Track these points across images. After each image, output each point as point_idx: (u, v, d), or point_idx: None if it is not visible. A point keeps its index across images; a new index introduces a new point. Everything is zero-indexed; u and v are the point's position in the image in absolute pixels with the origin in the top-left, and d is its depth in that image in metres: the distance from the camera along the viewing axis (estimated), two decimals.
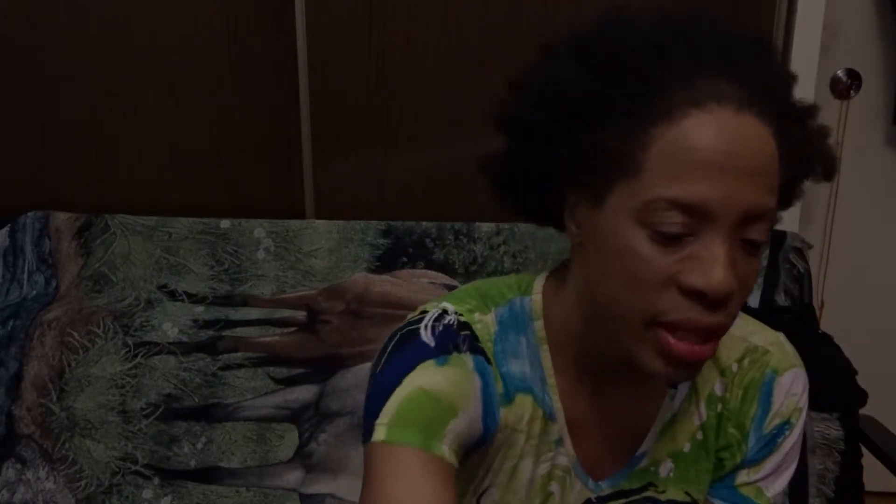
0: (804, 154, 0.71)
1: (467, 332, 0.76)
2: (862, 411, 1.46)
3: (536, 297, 0.80)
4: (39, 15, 1.69)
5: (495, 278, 0.84)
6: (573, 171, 0.70)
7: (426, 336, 0.75)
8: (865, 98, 2.01)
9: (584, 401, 0.80)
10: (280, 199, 1.74)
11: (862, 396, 1.44)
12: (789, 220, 1.72)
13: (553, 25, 1.62)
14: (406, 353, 0.74)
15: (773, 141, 0.66)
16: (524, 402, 0.79)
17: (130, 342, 1.51)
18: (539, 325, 0.79)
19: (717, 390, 0.83)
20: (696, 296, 0.65)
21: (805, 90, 1.73)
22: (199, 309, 1.56)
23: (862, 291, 2.12)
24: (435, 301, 0.79)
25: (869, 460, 1.43)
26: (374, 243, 1.59)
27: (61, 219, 1.63)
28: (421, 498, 0.67)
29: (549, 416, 0.80)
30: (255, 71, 1.70)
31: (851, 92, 2.01)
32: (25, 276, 1.61)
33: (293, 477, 1.48)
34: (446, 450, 0.70)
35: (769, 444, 0.83)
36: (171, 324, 1.54)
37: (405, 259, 1.58)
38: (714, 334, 0.68)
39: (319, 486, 1.47)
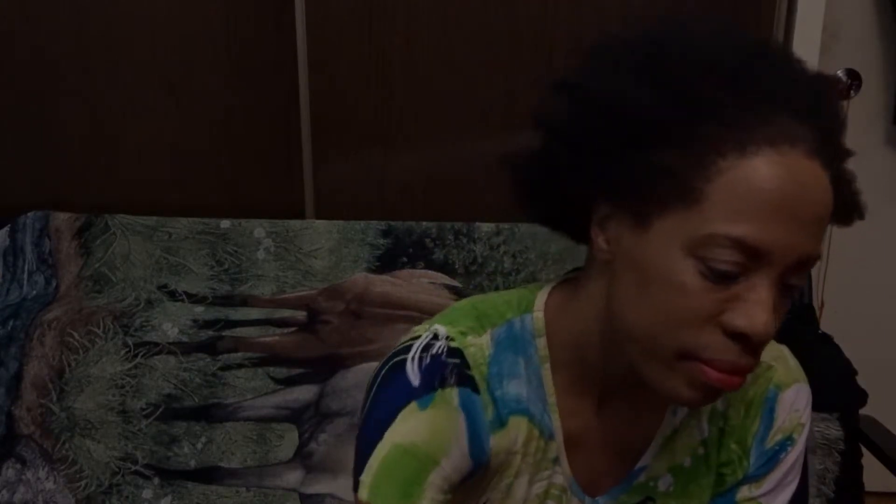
0: (848, 201, 0.71)
1: (456, 360, 0.75)
2: (862, 411, 1.46)
3: (538, 315, 0.79)
4: (40, 15, 1.69)
5: (495, 294, 0.82)
6: (619, 186, 0.68)
7: (412, 371, 0.74)
8: (865, 98, 2.01)
9: (585, 417, 0.80)
10: (280, 199, 1.74)
11: (862, 396, 1.44)
12: None
13: (553, 25, 1.62)
14: (391, 393, 0.74)
15: (831, 189, 0.65)
16: (519, 425, 0.78)
17: (130, 342, 1.51)
18: (542, 342, 0.78)
19: (720, 405, 0.83)
20: (738, 337, 0.64)
21: None
22: (199, 309, 1.56)
23: (862, 291, 2.12)
24: (427, 323, 0.78)
25: (869, 460, 1.43)
26: (374, 243, 1.59)
27: (61, 219, 1.63)
28: None
29: (547, 436, 0.79)
30: (255, 71, 1.70)
31: (851, 92, 2.01)
32: (25, 276, 1.61)
33: (293, 477, 1.48)
34: (427, 502, 0.71)
35: (771, 459, 0.83)
36: (171, 324, 1.54)
37: (405, 259, 1.58)
38: (745, 372, 0.67)
39: (319, 486, 1.47)
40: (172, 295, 1.59)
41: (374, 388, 0.76)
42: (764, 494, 0.83)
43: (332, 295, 1.56)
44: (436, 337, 0.76)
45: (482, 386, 0.75)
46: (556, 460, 0.80)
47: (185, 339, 1.52)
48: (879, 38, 1.99)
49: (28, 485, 1.48)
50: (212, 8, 1.67)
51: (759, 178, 0.62)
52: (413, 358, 0.75)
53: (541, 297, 0.80)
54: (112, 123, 1.73)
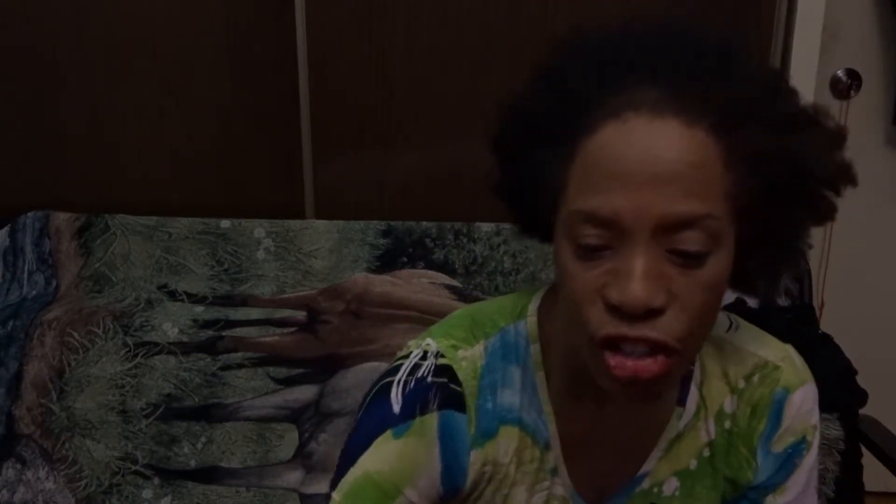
0: (782, 159, 0.66)
1: (443, 380, 0.76)
2: (862, 411, 1.46)
3: (531, 320, 0.79)
4: (40, 15, 1.69)
5: (491, 301, 0.83)
6: (534, 192, 0.71)
7: (395, 396, 0.76)
8: (865, 98, 2.01)
9: (583, 423, 0.78)
10: (280, 199, 1.74)
11: (862, 396, 1.44)
12: None
13: (553, 25, 1.62)
14: (372, 419, 0.77)
15: (704, 145, 0.63)
16: (509, 434, 0.77)
17: (130, 342, 1.51)
18: (536, 349, 0.78)
19: (728, 407, 0.81)
20: (616, 310, 0.64)
21: (805, 90, 1.72)
22: (199, 309, 1.56)
23: (862, 291, 2.12)
24: (421, 337, 0.80)
25: (869, 460, 1.43)
26: (374, 243, 1.59)
27: (61, 219, 1.63)
28: None
29: (543, 445, 0.78)
30: (255, 71, 1.70)
31: (851, 92, 2.01)
32: (25, 276, 1.61)
33: (293, 477, 1.48)
34: None
35: (787, 463, 0.81)
36: (171, 324, 1.54)
37: (405, 259, 1.58)
38: (654, 349, 0.64)
39: (319, 486, 1.47)
40: (172, 295, 1.59)
41: (362, 410, 0.78)
42: (792, 501, 0.82)
43: (332, 295, 1.56)
44: (424, 356, 0.77)
45: (470, 401, 0.76)
46: (554, 471, 0.79)
47: (185, 339, 1.52)
48: (879, 38, 1.99)
49: (28, 485, 1.48)
50: (212, 8, 1.68)
51: (600, 150, 0.64)
52: (399, 381, 0.76)
53: (535, 302, 0.79)
54: (112, 123, 1.73)
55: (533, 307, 0.79)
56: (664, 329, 0.64)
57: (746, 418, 0.80)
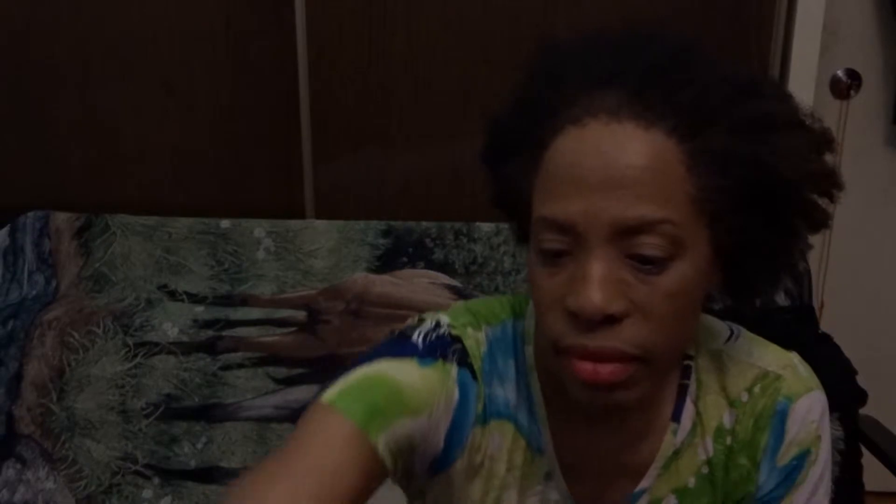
0: (749, 162, 0.64)
1: (458, 346, 0.74)
2: (862, 411, 1.46)
3: (529, 322, 0.77)
4: (40, 15, 1.69)
5: (488, 298, 0.82)
6: (513, 202, 0.72)
7: (418, 340, 0.73)
8: (865, 98, 2.01)
9: (577, 435, 0.76)
10: (280, 199, 1.74)
11: (862, 396, 1.44)
12: None
13: (553, 25, 1.62)
14: (392, 346, 0.73)
15: (664, 147, 0.62)
16: (504, 430, 0.76)
17: (130, 342, 1.51)
18: (530, 350, 0.76)
19: (727, 422, 0.77)
20: (574, 318, 0.63)
21: (805, 90, 1.73)
22: (199, 309, 1.56)
23: (862, 291, 2.12)
24: (432, 313, 0.78)
25: (869, 460, 1.43)
26: (374, 243, 1.59)
27: (61, 219, 1.62)
28: (326, 465, 0.62)
29: (535, 449, 0.76)
30: (255, 71, 1.70)
31: (851, 92, 2.01)
32: (25, 276, 1.61)
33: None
34: (381, 444, 0.65)
35: (789, 477, 0.77)
36: (171, 324, 1.54)
37: (405, 259, 1.58)
38: (609, 358, 0.63)
39: None
40: (172, 295, 1.58)
41: (376, 346, 0.74)
42: None
43: (332, 295, 1.56)
44: (440, 324, 0.76)
45: (479, 377, 0.75)
46: (548, 476, 0.77)
47: (185, 338, 1.52)
48: (879, 38, 1.99)
49: (28, 484, 1.48)
50: (211, 8, 1.68)
51: (559, 155, 0.64)
52: (420, 332, 0.74)
53: (532, 304, 0.77)
54: (112, 124, 1.73)
55: (531, 308, 0.78)
56: (623, 337, 0.63)
57: (749, 431, 0.77)
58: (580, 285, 0.62)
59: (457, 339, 0.74)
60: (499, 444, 0.76)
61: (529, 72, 0.71)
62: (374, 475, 0.65)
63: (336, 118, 1.70)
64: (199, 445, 1.49)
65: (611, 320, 0.62)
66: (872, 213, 2.08)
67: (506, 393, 0.76)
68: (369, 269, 1.58)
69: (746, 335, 0.80)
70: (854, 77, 2.00)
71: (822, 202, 0.69)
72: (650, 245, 0.62)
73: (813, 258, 2.00)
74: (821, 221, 0.70)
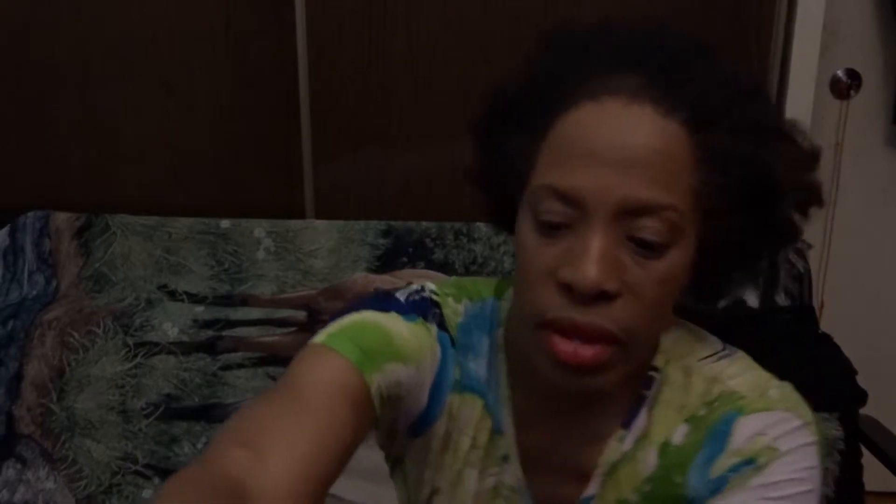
0: (752, 165, 0.65)
1: (437, 311, 0.76)
2: (862, 411, 1.46)
3: (505, 304, 0.78)
4: (40, 15, 1.69)
5: (479, 278, 0.83)
6: (508, 176, 0.71)
7: (401, 297, 0.75)
8: (865, 98, 2.01)
9: (536, 424, 0.75)
10: (280, 199, 1.74)
11: (862, 396, 1.44)
12: None
13: (553, 25, 1.62)
14: (377, 301, 0.74)
15: (677, 136, 0.63)
16: (474, 404, 0.76)
17: (130, 342, 1.51)
18: (500, 332, 0.77)
19: (676, 439, 0.73)
20: (568, 290, 0.63)
21: (805, 90, 1.73)
22: (199, 309, 1.56)
23: (862, 291, 2.12)
24: (418, 281, 0.79)
25: (869, 460, 1.43)
26: (374, 243, 1.59)
27: (61, 219, 1.62)
28: (327, 402, 0.62)
29: (496, 429, 0.76)
30: (255, 71, 1.70)
31: (851, 92, 2.01)
32: (25, 276, 1.61)
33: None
34: (374, 385, 0.65)
35: (719, 481, 0.69)
36: (171, 324, 1.54)
37: (405, 259, 1.58)
38: (595, 337, 0.63)
39: None
40: (172, 295, 1.58)
41: (354, 302, 0.74)
42: None
43: (333, 295, 1.56)
44: (423, 288, 0.77)
45: (455, 345, 0.76)
46: (505, 458, 0.77)
47: (185, 338, 1.52)
48: (879, 37, 1.99)
49: (28, 484, 1.48)
50: (211, 8, 1.68)
51: (573, 127, 0.64)
52: (404, 292, 0.76)
53: (512, 288, 0.77)
54: (112, 123, 1.73)
55: (510, 293, 0.78)
56: (612, 317, 0.63)
57: (695, 445, 0.72)
58: (578, 258, 0.62)
59: (437, 305, 0.76)
60: (468, 418, 0.76)
61: (545, 47, 0.71)
62: (367, 416, 0.66)
63: (336, 118, 1.70)
64: (200, 445, 1.49)
65: (604, 297, 0.62)
66: (872, 213, 2.08)
67: (478, 368, 0.76)
68: (369, 269, 1.58)
69: (740, 359, 0.75)
70: (854, 77, 2.00)
71: (795, 216, 0.70)
72: (652, 229, 0.63)
73: (813, 258, 2.00)
74: (793, 237, 0.71)
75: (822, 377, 1.44)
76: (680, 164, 0.63)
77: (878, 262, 2.12)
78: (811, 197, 0.70)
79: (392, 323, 0.71)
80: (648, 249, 0.63)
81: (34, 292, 1.60)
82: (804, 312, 1.54)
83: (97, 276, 1.60)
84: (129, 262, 1.60)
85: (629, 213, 0.62)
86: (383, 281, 1.57)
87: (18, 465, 1.49)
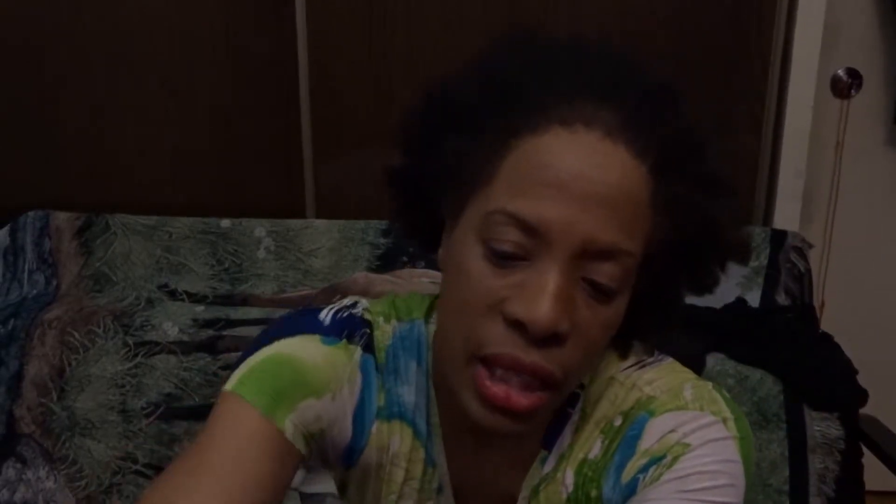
0: (699, 217, 0.63)
1: (367, 332, 0.72)
2: (862, 411, 1.46)
3: (432, 328, 0.73)
4: (39, 15, 1.69)
5: (417, 294, 0.78)
6: (440, 183, 0.67)
7: (325, 317, 0.71)
8: (866, 98, 2.01)
9: (465, 454, 0.73)
10: (280, 199, 1.74)
11: (862, 396, 1.44)
12: (790, 220, 1.72)
13: (553, 25, 1.62)
14: (296, 322, 0.71)
15: (644, 180, 0.61)
16: (403, 432, 0.72)
17: (131, 342, 1.51)
18: (430, 356, 0.72)
19: (593, 453, 0.70)
20: (517, 327, 0.59)
21: (805, 89, 1.73)
22: (200, 308, 1.56)
23: (862, 291, 2.12)
24: (361, 296, 0.76)
25: (869, 459, 1.43)
26: (375, 243, 1.59)
27: (61, 219, 1.63)
28: (238, 461, 0.62)
29: (428, 461, 0.73)
30: (255, 71, 1.70)
31: (852, 91, 2.00)
32: (26, 275, 1.61)
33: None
34: (289, 426, 0.65)
35: (631, 484, 0.67)
36: (172, 323, 1.54)
37: (405, 258, 1.58)
38: (537, 381, 0.60)
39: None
40: (173, 294, 1.59)
41: (279, 319, 0.72)
42: None
43: (333, 294, 1.56)
44: (355, 305, 0.74)
45: (381, 369, 0.72)
46: (439, 490, 0.74)
47: (185, 338, 1.52)
48: (880, 37, 1.99)
49: (28, 484, 1.48)
50: (212, 8, 1.68)
51: (543, 154, 0.60)
52: (331, 309, 0.72)
53: (437, 308, 0.71)
54: (112, 123, 1.73)
55: (436, 316, 0.73)
56: (558, 359, 0.60)
57: (608, 455, 0.70)
58: (534, 295, 0.59)
59: (368, 325, 0.72)
60: (398, 447, 0.73)
61: (501, 54, 0.66)
62: (288, 460, 0.66)
63: (336, 118, 1.70)
64: None
65: (554, 339, 0.59)
66: (872, 213, 2.08)
67: (406, 395, 0.72)
68: (369, 269, 1.58)
69: (665, 366, 0.72)
70: (855, 76, 2.00)
71: (716, 268, 0.67)
72: (608, 274, 0.60)
73: (813, 258, 2.00)
74: (711, 286, 0.68)
75: (823, 377, 1.44)
76: (641, 210, 0.61)
77: (878, 262, 2.12)
78: (743, 251, 0.68)
79: (306, 352, 0.68)
80: (601, 294, 0.61)
81: (34, 292, 1.60)
82: (804, 312, 1.54)
83: (97, 275, 1.60)
84: (130, 261, 1.60)
85: (590, 253, 0.59)
86: (383, 281, 1.57)
87: (19, 465, 1.49)
